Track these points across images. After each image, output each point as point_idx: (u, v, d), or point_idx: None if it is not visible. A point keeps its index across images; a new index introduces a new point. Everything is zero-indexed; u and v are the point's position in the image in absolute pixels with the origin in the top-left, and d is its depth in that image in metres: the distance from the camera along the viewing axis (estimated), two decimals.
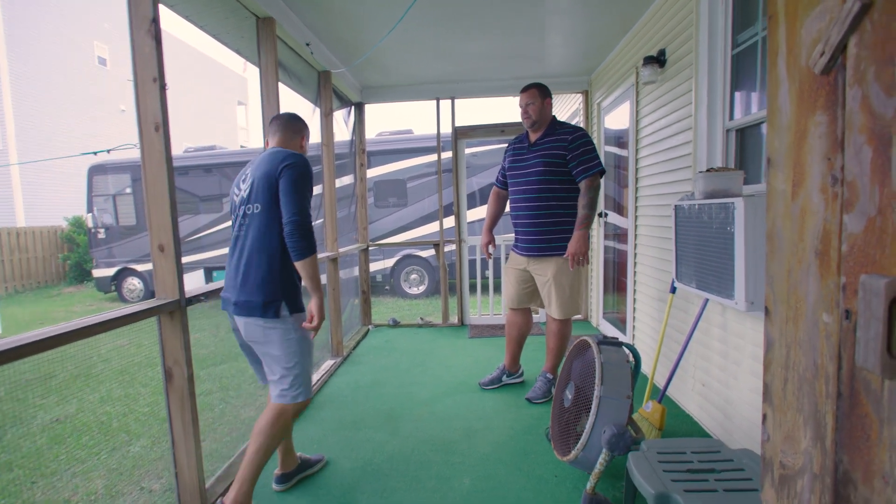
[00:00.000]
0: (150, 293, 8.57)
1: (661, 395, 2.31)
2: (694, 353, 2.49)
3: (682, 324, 2.62)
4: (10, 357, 1.23)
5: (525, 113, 2.76)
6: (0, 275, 9.85)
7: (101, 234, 8.68)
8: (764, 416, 0.87)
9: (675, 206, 2.11)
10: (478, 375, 3.35)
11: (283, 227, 1.72)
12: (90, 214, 8.71)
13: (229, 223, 1.91)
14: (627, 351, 1.98)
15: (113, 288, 8.78)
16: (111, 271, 8.68)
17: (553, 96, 2.88)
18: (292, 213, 1.69)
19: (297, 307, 1.79)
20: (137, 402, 3.65)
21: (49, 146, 12.51)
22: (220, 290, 1.93)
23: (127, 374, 4.04)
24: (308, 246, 1.71)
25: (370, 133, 6.73)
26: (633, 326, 3.50)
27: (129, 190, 8.62)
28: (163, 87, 1.69)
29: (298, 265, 1.74)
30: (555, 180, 2.69)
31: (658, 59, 2.87)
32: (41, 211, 12.30)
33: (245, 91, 22.74)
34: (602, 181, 2.81)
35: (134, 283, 8.74)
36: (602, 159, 4.25)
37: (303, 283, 1.85)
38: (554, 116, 2.83)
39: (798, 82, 0.75)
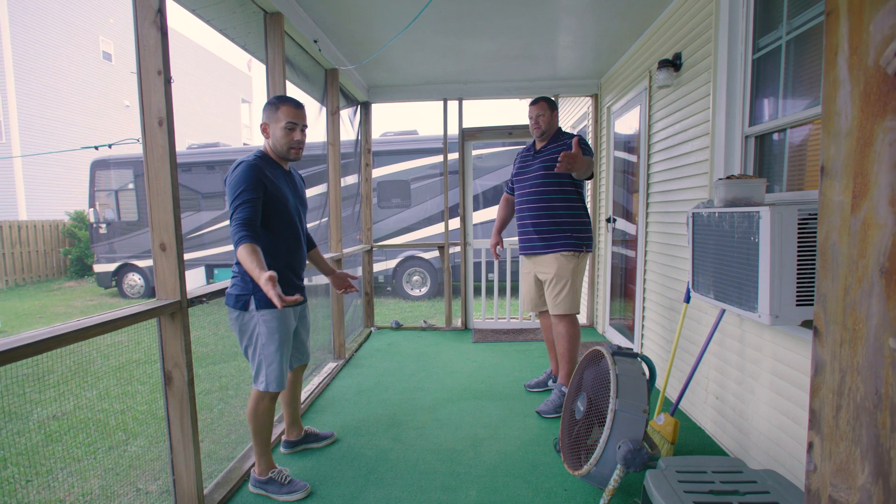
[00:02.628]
0: (150, 289, 8.53)
1: (673, 408, 2.24)
2: (708, 366, 2.42)
3: (694, 334, 2.56)
4: (8, 359, 1.20)
5: (535, 123, 2.87)
6: (0, 268, 9.81)
7: (103, 230, 8.65)
8: (810, 445, 0.81)
9: (693, 213, 2.04)
10: (482, 381, 3.29)
11: None
12: (92, 209, 8.68)
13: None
14: (643, 363, 1.91)
15: (113, 283, 8.74)
16: (112, 267, 8.64)
17: (561, 100, 2.90)
18: (229, 213, 1.81)
19: (268, 303, 1.85)
20: (135, 400, 3.59)
21: (52, 140, 12.48)
22: (222, 290, 1.99)
23: (125, 370, 3.98)
24: (238, 239, 1.76)
25: (374, 133, 6.67)
26: (642, 335, 3.44)
27: (131, 185, 8.59)
28: (168, 81, 1.63)
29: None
30: (555, 182, 2.77)
31: (674, 63, 2.81)
32: (43, 205, 12.27)
33: (249, 89, 22.73)
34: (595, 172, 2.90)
35: (135, 279, 8.70)
36: (612, 164, 4.24)
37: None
38: (559, 127, 2.94)
39: (863, 84, 0.69)
